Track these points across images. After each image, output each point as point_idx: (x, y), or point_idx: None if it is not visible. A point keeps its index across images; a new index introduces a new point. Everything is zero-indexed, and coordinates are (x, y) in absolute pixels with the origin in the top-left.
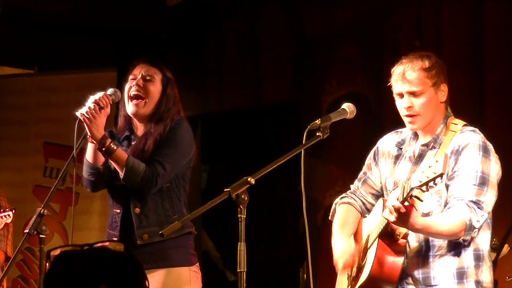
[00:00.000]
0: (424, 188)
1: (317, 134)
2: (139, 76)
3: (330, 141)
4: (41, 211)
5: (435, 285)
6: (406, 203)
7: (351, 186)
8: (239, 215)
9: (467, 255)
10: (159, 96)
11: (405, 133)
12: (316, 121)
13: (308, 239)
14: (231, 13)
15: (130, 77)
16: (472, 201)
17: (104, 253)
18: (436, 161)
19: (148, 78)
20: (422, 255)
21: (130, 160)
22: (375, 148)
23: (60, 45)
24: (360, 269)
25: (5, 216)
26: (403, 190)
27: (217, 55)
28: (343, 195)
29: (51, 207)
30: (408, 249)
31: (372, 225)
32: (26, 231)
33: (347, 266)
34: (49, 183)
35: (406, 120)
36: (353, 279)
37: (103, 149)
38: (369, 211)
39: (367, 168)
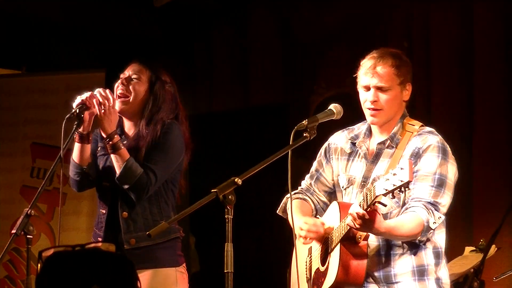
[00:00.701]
0: (390, 195)
1: (304, 134)
2: (126, 75)
3: (317, 141)
4: (28, 212)
5: (397, 282)
6: (369, 209)
7: (302, 182)
8: (226, 216)
9: (427, 253)
10: (144, 95)
11: (358, 129)
12: (303, 122)
13: (295, 239)
14: (221, 15)
15: (121, 75)
16: (429, 202)
17: (96, 254)
18: (402, 168)
19: (134, 77)
20: (383, 254)
21: (130, 160)
22: (325, 145)
23: (48, 46)
24: (322, 274)
25: None
26: (367, 197)
27: (207, 57)
28: (296, 191)
29: (39, 207)
30: (368, 249)
31: (329, 229)
32: (13, 231)
33: (311, 237)
34: (37, 183)
35: (368, 112)
36: (314, 283)
37: (110, 142)
38: (322, 210)
39: (318, 165)
